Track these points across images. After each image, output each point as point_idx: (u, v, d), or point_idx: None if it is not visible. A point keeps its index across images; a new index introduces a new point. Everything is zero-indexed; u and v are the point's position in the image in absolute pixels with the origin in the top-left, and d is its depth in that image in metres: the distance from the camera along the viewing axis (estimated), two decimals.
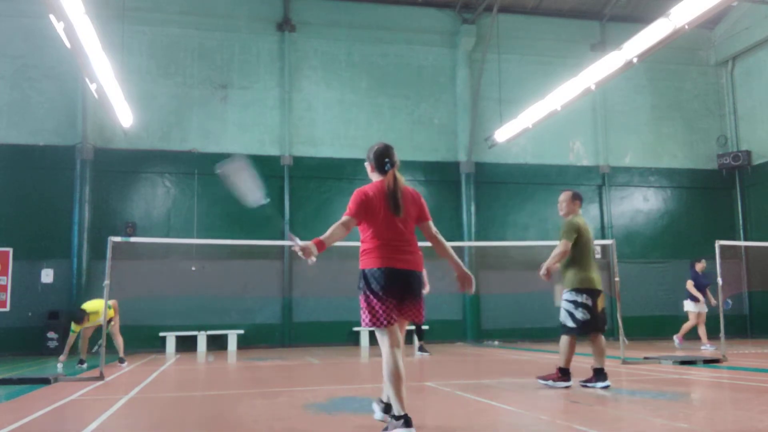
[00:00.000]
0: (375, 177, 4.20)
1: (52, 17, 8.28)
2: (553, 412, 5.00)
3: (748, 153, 17.66)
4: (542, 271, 6.34)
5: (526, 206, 17.07)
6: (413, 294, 3.97)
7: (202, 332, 14.54)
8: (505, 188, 17.02)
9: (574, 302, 6.18)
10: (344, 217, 3.98)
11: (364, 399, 5.84)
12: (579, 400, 5.48)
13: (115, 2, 14.21)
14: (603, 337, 6.28)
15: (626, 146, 17.94)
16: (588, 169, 17.64)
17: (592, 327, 6.15)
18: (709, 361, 9.08)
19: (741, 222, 17.89)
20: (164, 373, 9.10)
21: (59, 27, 8.47)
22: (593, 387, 6.09)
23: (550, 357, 11.02)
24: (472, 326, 16.10)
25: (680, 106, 18.43)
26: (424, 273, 4.31)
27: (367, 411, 4.90)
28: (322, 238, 3.85)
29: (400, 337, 3.97)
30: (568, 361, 6.22)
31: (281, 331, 15.29)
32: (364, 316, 3.92)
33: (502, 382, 7.09)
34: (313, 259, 3.82)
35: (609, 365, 9.01)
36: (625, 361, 8.75)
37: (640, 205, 17.79)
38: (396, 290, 3.89)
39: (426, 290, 3.59)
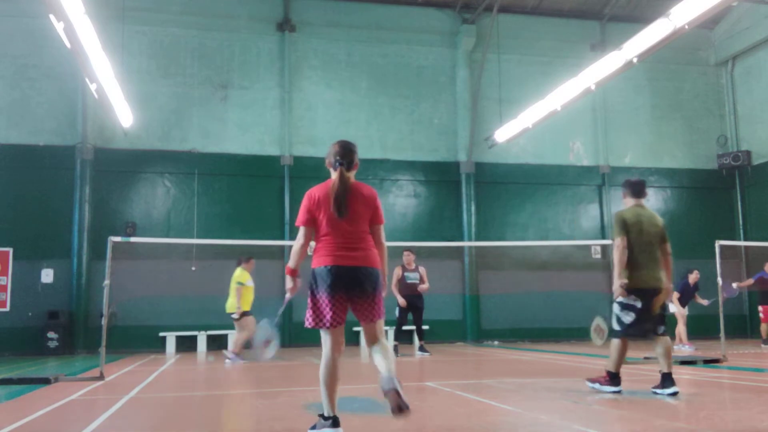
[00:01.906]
0: (331, 174, 4.11)
1: (52, 17, 8.28)
2: (553, 412, 5.00)
3: (748, 153, 17.66)
4: (617, 287, 5.70)
5: (526, 206, 17.07)
6: (363, 291, 3.87)
7: (202, 332, 14.54)
8: (505, 188, 17.02)
9: (620, 303, 5.70)
10: (299, 231, 4.02)
11: (364, 399, 5.84)
12: (579, 400, 5.48)
13: (115, 2, 14.21)
14: (668, 339, 5.79)
15: (626, 146, 17.94)
16: (588, 169, 17.64)
17: (641, 329, 5.70)
18: (709, 361, 9.08)
19: (741, 222, 17.90)
20: (164, 373, 9.10)
21: (59, 27, 8.46)
22: (662, 393, 5.57)
23: (550, 357, 11.03)
24: (472, 326, 16.10)
25: (680, 106, 18.43)
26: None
27: (367, 411, 4.91)
28: (290, 266, 4.02)
29: (343, 340, 3.93)
30: (617, 364, 5.79)
31: (281, 331, 15.27)
32: (308, 316, 3.87)
33: (502, 382, 7.09)
34: (294, 288, 4.06)
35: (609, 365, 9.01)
36: (625, 361, 8.73)
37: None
38: (343, 288, 3.84)
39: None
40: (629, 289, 5.64)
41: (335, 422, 3.79)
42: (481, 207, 16.72)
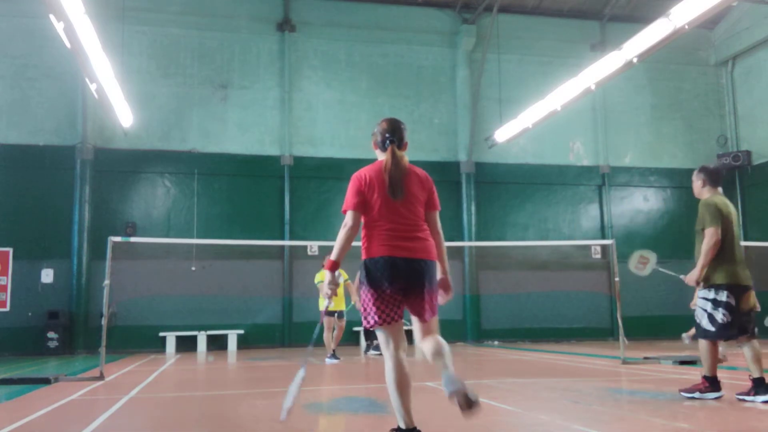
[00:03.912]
0: (379, 155, 3.74)
1: (52, 17, 8.28)
2: (553, 412, 5.00)
3: (748, 153, 17.66)
4: (694, 278, 5.25)
5: (526, 206, 17.07)
6: (419, 286, 3.44)
7: (202, 332, 14.54)
8: (505, 188, 17.02)
9: (713, 301, 5.16)
10: (346, 216, 3.50)
11: (364, 399, 5.84)
12: (579, 400, 5.48)
13: (115, 2, 14.21)
14: (756, 342, 5.28)
15: (626, 146, 17.94)
16: (588, 169, 17.64)
17: (734, 330, 5.21)
18: None
19: (741, 222, 17.89)
20: (164, 373, 9.10)
21: (59, 27, 8.46)
22: (752, 401, 5.09)
23: (550, 357, 11.02)
24: (472, 326, 16.10)
25: (680, 106, 18.43)
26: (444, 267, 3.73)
27: (367, 411, 4.91)
28: (333, 258, 3.49)
29: (404, 337, 3.52)
30: (713, 368, 5.28)
31: (281, 331, 15.28)
32: (365, 314, 3.48)
33: (502, 382, 7.09)
34: (334, 287, 3.58)
35: (609, 365, 9.03)
36: (625, 361, 8.74)
37: (640, 205, 17.79)
38: (399, 282, 3.40)
39: (447, 298, 3.06)
40: (723, 285, 5.14)
41: None
42: (481, 207, 16.72)
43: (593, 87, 12.05)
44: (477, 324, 16.14)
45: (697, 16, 9.23)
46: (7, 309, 14.10)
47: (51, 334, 13.77)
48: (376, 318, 3.43)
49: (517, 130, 14.72)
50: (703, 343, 5.30)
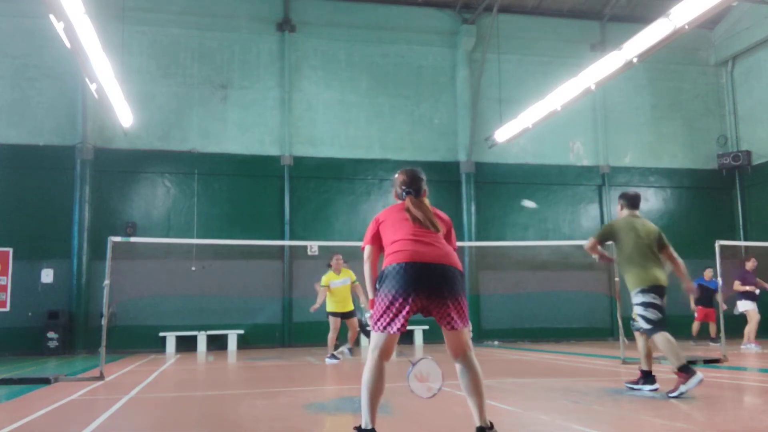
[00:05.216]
0: (397, 202, 3.86)
1: (52, 17, 8.28)
2: (553, 412, 5.00)
3: (748, 153, 17.65)
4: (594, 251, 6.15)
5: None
6: (442, 293, 3.36)
7: (202, 332, 14.54)
8: (505, 188, 17.02)
9: (642, 303, 5.83)
10: (365, 251, 3.67)
11: None
12: (579, 400, 5.48)
13: (115, 2, 14.21)
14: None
15: (626, 146, 17.94)
16: (588, 169, 17.64)
17: (664, 325, 5.81)
18: (709, 361, 9.07)
19: (741, 222, 17.89)
20: (164, 373, 9.10)
21: (59, 27, 8.46)
22: (639, 389, 5.92)
23: (550, 357, 11.03)
24: (472, 326, 16.06)
25: (680, 106, 18.43)
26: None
27: None
28: (372, 297, 3.56)
29: (394, 347, 3.51)
30: (648, 362, 6.04)
31: (281, 331, 15.29)
32: (376, 318, 3.43)
33: (502, 382, 7.09)
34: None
35: (608, 365, 9.03)
36: (625, 361, 8.73)
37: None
38: (419, 289, 3.35)
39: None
40: (646, 288, 5.78)
41: None
42: (481, 207, 16.72)
43: (593, 87, 12.04)
44: (477, 324, 16.13)
45: (697, 16, 9.22)
46: (7, 309, 14.11)
47: (51, 334, 13.77)
48: (379, 323, 3.43)
49: (517, 130, 14.72)
50: (648, 340, 6.01)
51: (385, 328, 3.39)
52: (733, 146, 18.15)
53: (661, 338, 5.68)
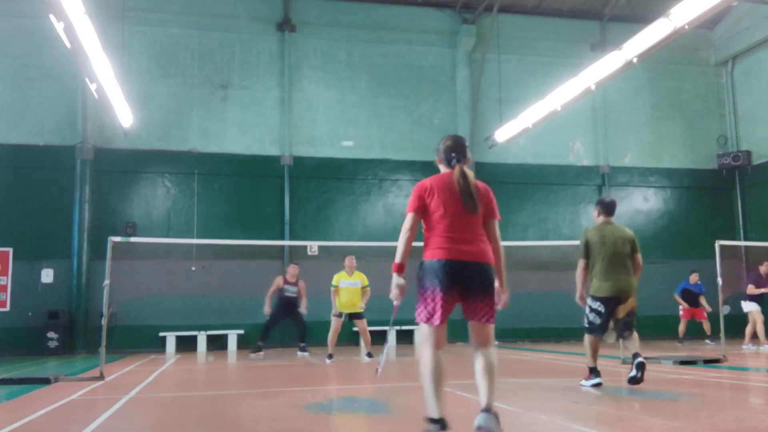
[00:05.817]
0: (442, 169, 3.97)
1: (52, 17, 8.28)
2: (553, 412, 5.00)
3: (748, 153, 17.65)
4: (578, 298, 6.55)
5: (526, 206, 17.07)
6: (476, 289, 3.63)
7: (202, 332, 14.54)
8: (505, 188, 16.97)
9: (589, 307, 6.48)
10: (407, 217, 3.75)
11: (364, 399, 5.85)
12: (579, 400, 5.48)
13: (115, 2, 14.21)
14: (612, 341, 6.62)
15: (626, 146, 17.93)
16: (588, 169, 17.64)
17: (601, 330, 6.44)
18: (709, 361, 9.08)
19: (741, 222, 17.88)
20: (164, 373, 9.10)
21: (59, 27, 8.46)
22: (585, 384, 6.43)
23: (550, 357, 11.03)
24: None
25: (680, 106, 18.42)
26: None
27: (368, 411, 4.91)
28: (397, 261, 3.69)
29: (445, 337, 3.72)
30: (593, 358, 6.49)
31: (281, 331, 15.27)
32: (420, 311, 3.63)
33: (502, 382, 7.07)
34: (404, 288, 3.73)
35: (609, 365, 9.03)
36: (625, 361, 8.74)
37: (640, 205, 17.78)
38: (456, 285, 3.60)
39: (504, 302, 3.07)
40: (596, 297, 6.37)
41: (444, 425, 3.43)
42: None
43: (593, 87, 12.04)
44: None
45: (697, 16, 9.22)
46: (7, 309, 14.10)
47: (51, 334, 13.76)
48: (423, 316, 3.63)
49: (517, 130, 14.72)
50: (585, 338, 6.54)
51: (428, 320, 3.62)
52: (733, 146, 18.15)
53: (589, 339, 6.47)
